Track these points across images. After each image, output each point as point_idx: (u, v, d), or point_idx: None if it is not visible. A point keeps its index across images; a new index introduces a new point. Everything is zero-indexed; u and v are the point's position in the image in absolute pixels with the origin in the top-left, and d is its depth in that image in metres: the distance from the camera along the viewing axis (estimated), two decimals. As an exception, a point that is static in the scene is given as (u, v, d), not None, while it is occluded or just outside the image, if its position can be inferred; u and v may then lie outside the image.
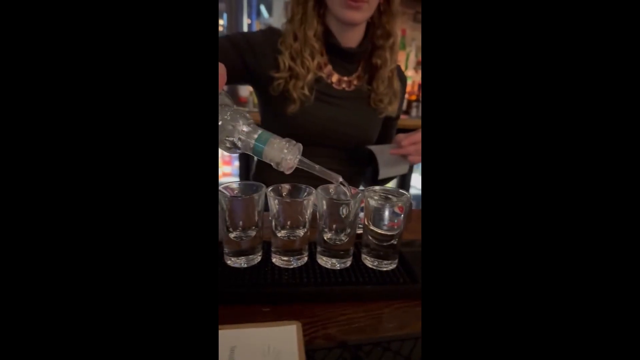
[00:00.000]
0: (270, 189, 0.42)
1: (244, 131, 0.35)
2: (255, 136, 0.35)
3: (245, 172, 1.54)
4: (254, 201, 0.41)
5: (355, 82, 0.75)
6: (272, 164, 0.35)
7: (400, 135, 0.70)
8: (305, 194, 0.43)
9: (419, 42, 2.21)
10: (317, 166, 0.37)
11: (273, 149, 0.34)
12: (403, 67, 2.19)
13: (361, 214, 0.44)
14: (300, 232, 0.42)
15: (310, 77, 0.69)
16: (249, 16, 2.01)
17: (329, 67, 0.74)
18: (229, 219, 0.41)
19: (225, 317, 0.36)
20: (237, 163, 1.98)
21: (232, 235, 0.42)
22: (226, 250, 0.43)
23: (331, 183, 0.38)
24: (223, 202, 0.40)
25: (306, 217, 0.42)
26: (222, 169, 1.94)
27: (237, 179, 1.73)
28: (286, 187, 0.44)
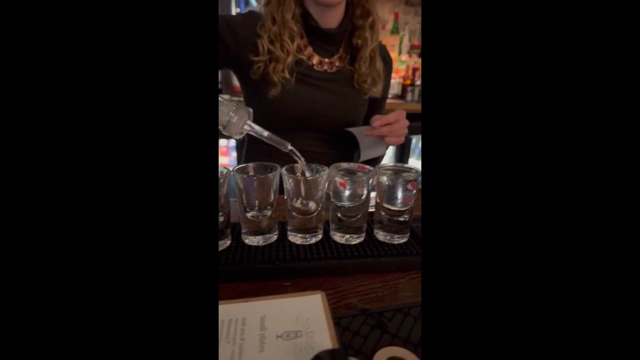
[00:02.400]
0: (284, 168, 0.43)
1: None
2: None
3: (241, 162, 1.54)
4: (269, 180, 0.42)
5: (337, 64, 0.75)
6: (220, 127, 0.36)
7: (374, 117, 0.70)
8: (318, 172, 0.44)
9: (412, 25, 2.20)
10: (266, 132, 0.38)
11: (220, 112, 0.35)
12: (396, 52, 2.19)
13: (372, 193, 0.45)
14: (314, 208, 0.43)
15: (290, 59, 0.69)
16: (238, 5, 1.98)
17: (309, 49, 0.73)
18: (245, 198, 0.42)
19: (249, 292, 0.37)
20: (234, 154, 1.98)
21: (249, 215, 0.43)
22: (244, 229, 0.44)
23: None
24: (240, 182, 0.41)
25: (319, 194, 0.43)
26: (220, 159, 1.94)
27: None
28: (299, 166, 0.45)
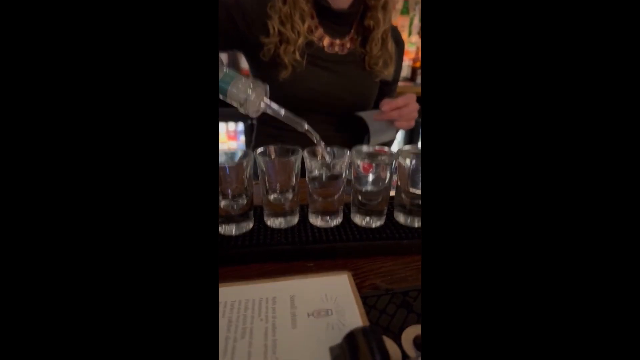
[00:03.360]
0: (306, 150, 0.43)
1: None
2: (220, 75, 0.34)
3: (250, 146, 1.54)
4: (291, 163, 0.42)
5: (348, 45, 0.74)
6: (236, 105, 0.35)
7: (384, 101, 0.68)
8: (340, 155, 0.44)
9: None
10: (283, 111, 0.37)
11: (237, 89, 0.34)
12: (406, 33, 2.14)
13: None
14: (335, 192, 0.44)
15: (301, 41, 0.67)
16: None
17: (320, 30, 0.72)
18: (267, 181, 0.43)
19: (274, 272, 0.38)
20: (242, 138, 1.98)
21: (271, 198, 0.43)
22: (266, 211, 0.44)
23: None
24: (262, 164, 0.41)
25: (344, 175, 0.43)
26: (228, 144, 1.94)
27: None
28: (319, 149, 0.45)
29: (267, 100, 0.36)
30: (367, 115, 0.70)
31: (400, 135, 1.98)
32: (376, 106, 0.79)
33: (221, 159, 0.42)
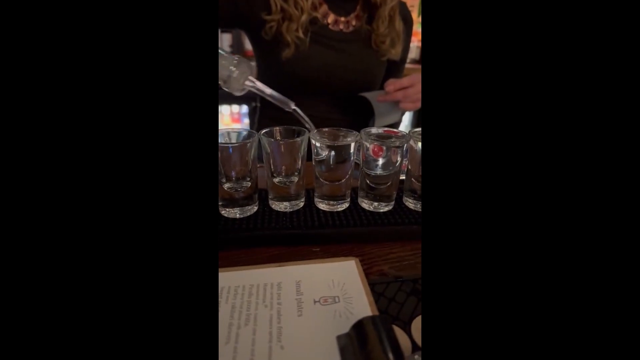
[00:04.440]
0: (315, 131, 0.41)
1: None
2: None
3: (254, 128, 1.52)
4: (297, 145, 0.40)
5: (353, 23, 0.71)
6: (220, 82, 0.34)
7: (389, 81, 0.66)
8: (349, 137, 0.42)
9: (433, -16, 2.06)
10: (268, 90, 0.36)
11: (220, 66, 0.33)
12: (416, 13, 2.07)
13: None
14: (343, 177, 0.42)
15: (304, 18, 0.64)
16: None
17: (325, 6, 0.69)
18: (272, 164, 0.41)
19: (279, 257, 0.37)
20: (246, 120, 1.95)
21: (276, 180, 0.42)
22: (271, 195, 0.43)
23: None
24: (267, 146, 0.40)
25: (352, 158, 0.41)
26: (232, 126, 1.92)
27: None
28: (325, 130, 0.43)
29: (251, 78, 0.34)
30: (371, 96, 0.68)
31: (407, 118, 1.94)
32: (382, 87, 0.76)
33: (224, 139, 0.41)
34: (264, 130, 0.41)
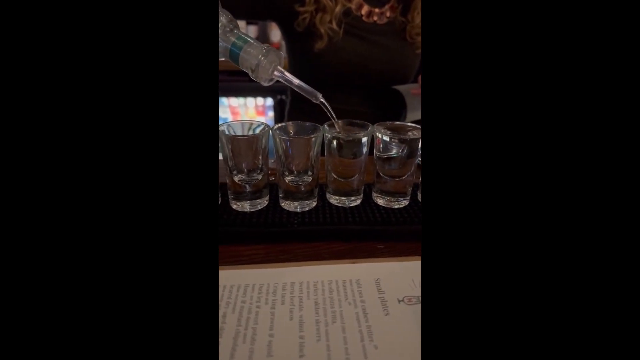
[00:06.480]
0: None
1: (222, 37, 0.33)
2: (233, 41, 0.33)
3: (283, 121, 1.51)
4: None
5: (387, 14, 0.69)
6: (248, 71, 0.34)
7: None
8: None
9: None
10: (296, 80, 0.35)
11: (248, 54, 0.33)
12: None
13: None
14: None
15: (338, 9, 0.63)
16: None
17: None
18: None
19: (341, 254, 0.36)
20: (271, 113, 1.95)
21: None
22: (329, 189, 0.42)
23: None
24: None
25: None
26: (257, 119, 1.92)
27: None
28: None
29: (280, 67, 0.34)
30: (405, 89, 0.66)
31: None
32: (416, 81, 0.74)
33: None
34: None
